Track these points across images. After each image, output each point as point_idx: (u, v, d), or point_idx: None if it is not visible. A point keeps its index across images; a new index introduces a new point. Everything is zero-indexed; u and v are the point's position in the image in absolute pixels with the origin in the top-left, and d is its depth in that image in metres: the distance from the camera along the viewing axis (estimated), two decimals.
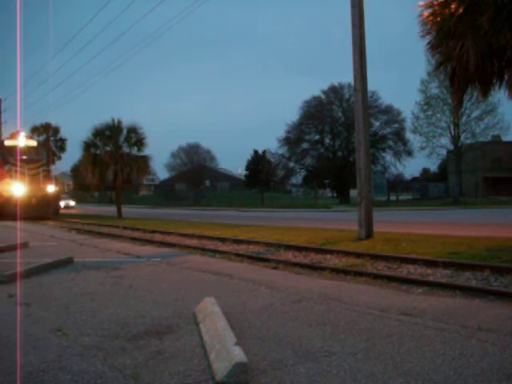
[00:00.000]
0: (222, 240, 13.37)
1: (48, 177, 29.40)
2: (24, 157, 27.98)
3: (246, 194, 64.28)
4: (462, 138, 48.51)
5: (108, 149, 29.58)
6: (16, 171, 26.98)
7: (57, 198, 29.61)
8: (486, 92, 10.46)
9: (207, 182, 76.38)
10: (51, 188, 28.53)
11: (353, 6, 12.84)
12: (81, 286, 7.08)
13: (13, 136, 30.86)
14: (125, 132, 29.64)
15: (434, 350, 3.84)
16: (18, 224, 21.03)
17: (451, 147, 49.82)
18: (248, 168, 62.75)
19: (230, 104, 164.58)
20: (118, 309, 5.49)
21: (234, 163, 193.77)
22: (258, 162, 60.63)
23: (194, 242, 13.49)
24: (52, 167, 37.02)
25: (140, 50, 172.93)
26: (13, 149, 28.15)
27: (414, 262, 8.41)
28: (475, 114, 47.44)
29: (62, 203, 49.53)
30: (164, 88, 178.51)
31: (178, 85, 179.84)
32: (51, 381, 3.35)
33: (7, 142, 29.86)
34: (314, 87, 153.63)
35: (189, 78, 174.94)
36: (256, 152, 61.56)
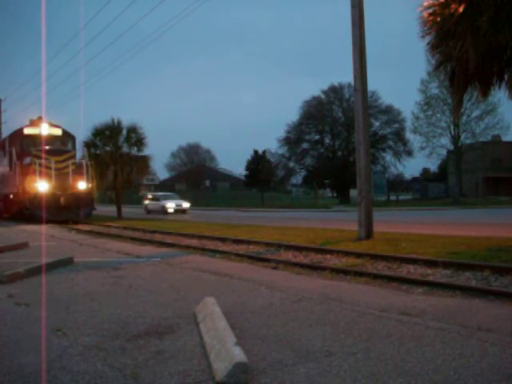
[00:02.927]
0: (222, 240, 13.38)
1: (78, 171, 23.85)
2: (48, 147, 23.41)
3: (246, 194, 64.31)
4: (462, 137, 48.61)
5: (108, 149, 29.34)
6: (40, 165, 22.36)
7: (90, 196, 24.05)
8: (485, 92, 10.46)
9: (207, 182, 76.36)
10: (83, 185, 23.57)
11: (353, 6, 12.86)
12: (81, 285, 7.08)
13: (33, 123, 25.50)
14: (125, 132, 29.49)
15: (434, 350, 3.83)
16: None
17: (451, 147, 49.86)
18: (248, 168, 62.73)
19: (230, 104, 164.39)
20: (118, 309, 5.48)
21: (234, 163, 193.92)
22: (258, 162, 60.62)
23: (194, 242, 13.50)
24: None
25: (140, 50, 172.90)
26: (34, 138, 23.99)
27: (414, 261, 8.42)
28: (475, 113, 47.59)
29: (172, 204, 35.54)
30: (164, 88, 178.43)
31: (178, 85, 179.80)
32: (51, 381, 3.34)
33: (27, 130, 24.94)
34: (314, 87, 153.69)
35: (189, 77, 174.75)
36: (256, 152, 61.57)
